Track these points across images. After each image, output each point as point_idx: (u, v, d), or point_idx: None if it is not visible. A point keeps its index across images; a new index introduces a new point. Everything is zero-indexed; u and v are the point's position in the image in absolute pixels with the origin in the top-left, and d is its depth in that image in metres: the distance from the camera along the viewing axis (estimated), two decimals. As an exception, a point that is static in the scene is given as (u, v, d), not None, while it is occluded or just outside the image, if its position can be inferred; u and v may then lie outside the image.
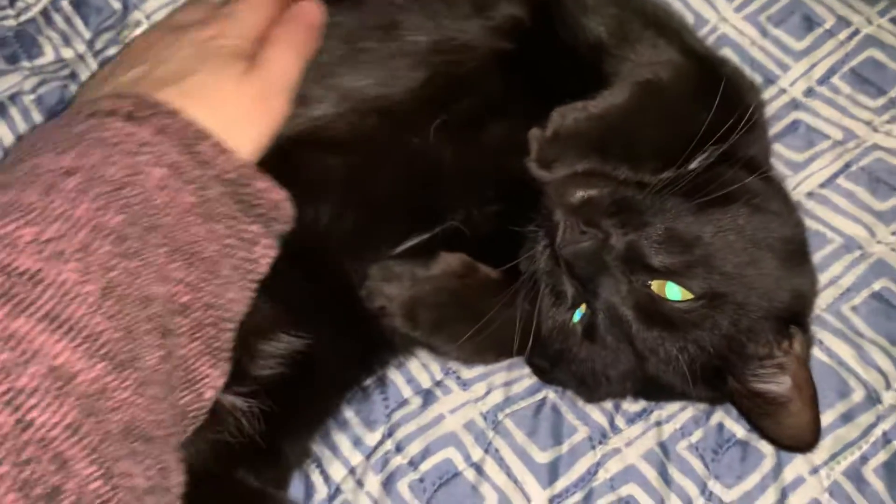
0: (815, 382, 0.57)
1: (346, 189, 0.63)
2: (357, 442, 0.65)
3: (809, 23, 0.76)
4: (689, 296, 0.55)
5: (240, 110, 0.54)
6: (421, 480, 0.63)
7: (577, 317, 0.59)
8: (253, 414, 0.60)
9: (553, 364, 0.62)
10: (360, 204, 0.63)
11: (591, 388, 0.61)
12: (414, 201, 0.63)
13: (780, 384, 0.57)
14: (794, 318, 0.58)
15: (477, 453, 0.64)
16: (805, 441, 0.57)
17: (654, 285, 0.56)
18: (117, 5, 0.82)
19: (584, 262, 0.55)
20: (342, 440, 0.65)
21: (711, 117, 0.57)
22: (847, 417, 0.63)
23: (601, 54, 0.62)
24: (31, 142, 0.51)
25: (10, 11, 0.83)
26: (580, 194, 0.56)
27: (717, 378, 0.58)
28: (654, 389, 0.60)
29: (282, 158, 0.56)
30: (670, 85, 0.59)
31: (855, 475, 0.61)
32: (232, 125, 0.53)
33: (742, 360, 0.57)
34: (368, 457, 0.65)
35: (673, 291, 0.55)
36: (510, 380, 0.67)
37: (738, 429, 0.64)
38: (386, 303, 0.61)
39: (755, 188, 0.59)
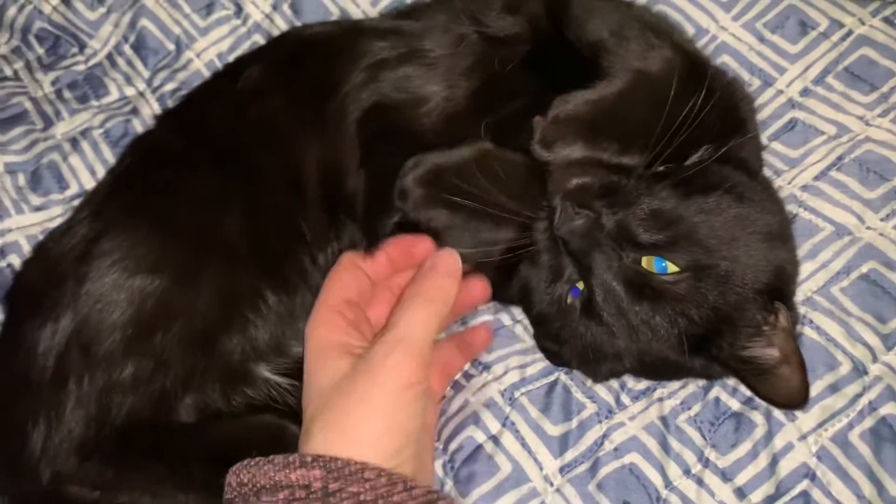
0: (801, 352, 0.59)
1: None
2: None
3: (804, 27, 0.79)
4: (675, 269, 0.59)
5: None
6: (451, 460, 0.67)
7: (573, 295, 0.63)
8: (287, 390, 0.66)
9: (560, 345, 0.66)
10: None
11: (592, 366, 0.64)
12: None
13: (769, 353, 0.60)
14: (777, 294, 0.61)
15: (495, 426, 0.68)
16: (796, 400, 0.60)
17: (644, 262, 0.59)
18: (171, 46, 0.90)
19: (577, 238, 0.60)
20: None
21: (695, 103, 0.60)
22: (834, 388, 0.65)
23: (600, 51, 0.66)
24: None
25: (80, 57, 0.91)
26: (575, 181, 0.61)
27: (708, 348, 0.61)
28: (651, 365, 0.63)
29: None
30: (659, 75, 0.64)
31: (842, 441, 0.63)
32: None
33: (732, 331, 0.60)
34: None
35: (660, 265, 0.59)
36: (525, 363, 0.71)
37: (734, 402, 0.66)
38: (408, 175, 0.65)
39: (737, 180, 0.63)
